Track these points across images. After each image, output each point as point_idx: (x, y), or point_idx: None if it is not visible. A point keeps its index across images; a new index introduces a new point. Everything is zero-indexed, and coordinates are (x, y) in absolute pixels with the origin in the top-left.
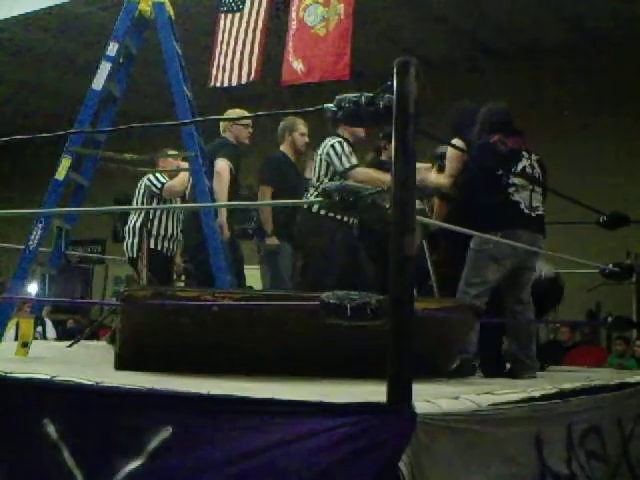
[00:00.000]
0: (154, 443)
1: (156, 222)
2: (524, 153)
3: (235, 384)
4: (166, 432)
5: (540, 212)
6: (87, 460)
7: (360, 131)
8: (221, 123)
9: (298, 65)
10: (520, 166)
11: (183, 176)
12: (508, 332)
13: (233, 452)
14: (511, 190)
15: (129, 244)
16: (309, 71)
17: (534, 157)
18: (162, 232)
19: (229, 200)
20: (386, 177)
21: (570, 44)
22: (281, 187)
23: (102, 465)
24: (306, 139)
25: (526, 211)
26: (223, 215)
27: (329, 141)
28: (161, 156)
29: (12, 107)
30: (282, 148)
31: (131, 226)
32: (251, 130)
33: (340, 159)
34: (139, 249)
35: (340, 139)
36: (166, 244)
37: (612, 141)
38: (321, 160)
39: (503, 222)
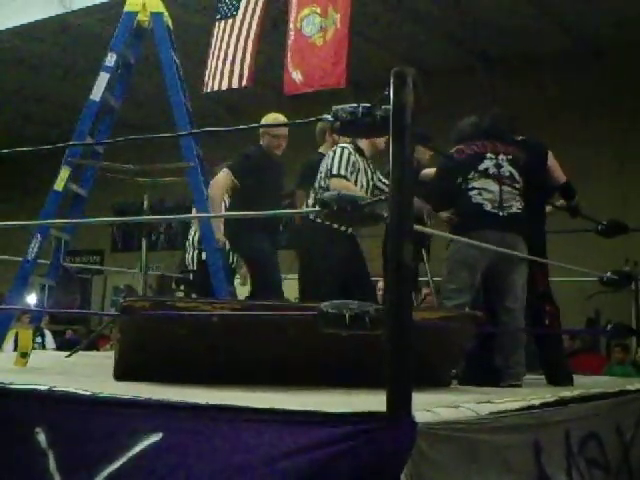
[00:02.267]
0: (140, 446)
1: None
2: (489, 155)
3: (233, 394)
4: (155, 437)
5: (514, 210)
6: (71, 466)
7: (380, 143)
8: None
9: (297, 75)
10: (481, 168)
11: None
12: (496, 340)
13: (230, 462)
14: (472, 193)
15: (189, 258)
16: (307, 81)
17: (503, 157)
18: None
19: (228, 209)
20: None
21: (567, 49)
22: None
23: (85, 470)
24: (347, 139)
25: (492, 211)
26: (219, 222)
27: (339, 145)
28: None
29: (9, 116)
30: (321, 150)
31: (191, 239)
32: (282, 143)
33: (333, 163)
34: (199, 261)
35: (349, 146)
36: None
37: (611, 144)
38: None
39: (467, 226)
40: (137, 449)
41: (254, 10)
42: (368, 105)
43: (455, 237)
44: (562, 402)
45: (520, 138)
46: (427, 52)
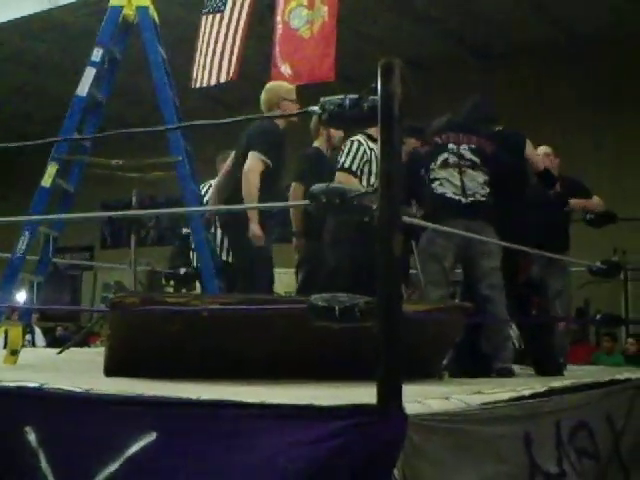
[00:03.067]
0: (134, 448)
1: None
2: (450, 146)
3: (225, 389)
4: (150, 437)
5: (479, 197)
6: (63, 466)
7: (336, 139)
8: (265, 104)
9: (285, 69)
10: (441, 159)
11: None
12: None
13: (222, 457)
14: (435, 185)
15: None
16: (296, 74)
17: (465, 146)
18: None
19: (263, 201)
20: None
21: (553, 42)
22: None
23: (78, 470)
24: (342, 133)
25: (455, 198)
26: (254, 221)
27: (353, 137)
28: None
29: None
30: (316, 144)
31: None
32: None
33: (342, 157)
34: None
35: (360, 138)
36: None
37: (612, 136)
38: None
39: (433, 217)
40: (132, 450)
41: (242, 4)
42: (355, 97)
43: (438, 227)
44: (553, 392)
45: (497, 129)
46: (417, 45)
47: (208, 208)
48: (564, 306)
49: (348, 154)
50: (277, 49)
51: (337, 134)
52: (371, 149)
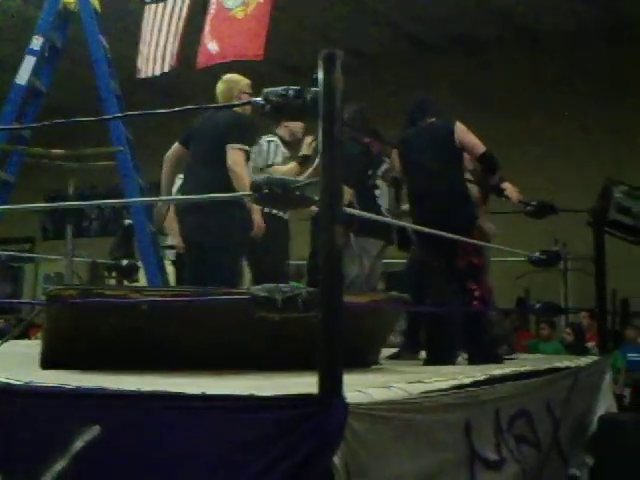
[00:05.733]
0: (79, 444)
1: None
2: (385, 157)
3: (165, 380)
4: (93, 432)
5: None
6: (6, 462)
7: (298, 132)
8: (224, 94)
9: (213, 46)
10: (382, 169)
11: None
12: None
13: (164, 450)
14: (377, 193)
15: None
16: (223, 51)
17: (389, 161)
18: None
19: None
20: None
21: (507, 37)
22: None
23: (25, 468)
24: (302, 124)
25: (386, 216)
26: (257, 210)
27: (266, 139)
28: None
29: None
30: (278, 132)
31: None
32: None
33: (269, 155)
34: None
35: (273, 138)
36: None
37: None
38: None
39: (366, 228)
40: (78, 446)
41: None
42: (298, 88)
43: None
44: (493, 380)
45: (429, 121)
46: (364, 37)
47: (150, 199)
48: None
49: (276, 152)
50: (207, 28)
51: (299, 125)
52: (282, 150)
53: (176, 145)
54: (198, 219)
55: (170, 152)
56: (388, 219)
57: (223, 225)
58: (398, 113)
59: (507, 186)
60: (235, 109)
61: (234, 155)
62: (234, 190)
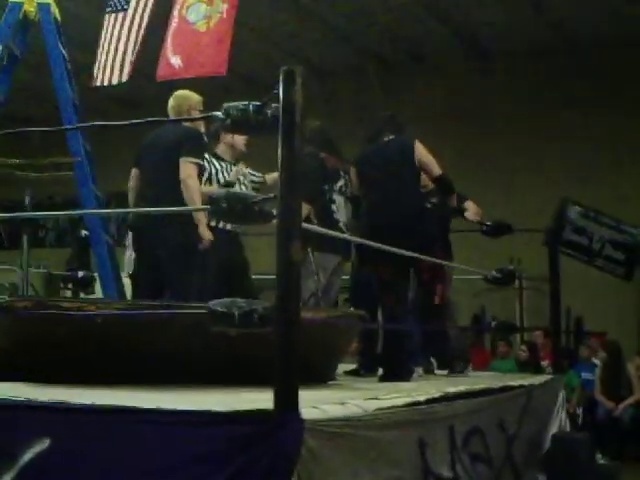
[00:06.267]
0: (28, 455)
1: None
2: (341, 172)
3: (120, 394)
4: (42, 444)
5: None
6: None
7: (240, 145)
8: (174, 110)
9: (176, 60)
10: (339, 184)
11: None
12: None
13: (116, 463)
14: (333, 207)
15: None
16: (186, 66)
17: (347, 177)
18: None
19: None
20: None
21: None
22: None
23: None
24: (245, 139)
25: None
26: (202, 222)
27: None
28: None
29: None
30: (217, 151)
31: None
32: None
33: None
34: None
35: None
36: None
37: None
38: None
39: (323, 244)
40: (26, 458)
41: (145, 5)
42: (258, 103)
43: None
44: (447, 398)
45: (388, 138)
46: (322, 52)
47: (106, 211)
48: (450, 311)
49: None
50: (169, 41)
51: (241, 140)
52: (211, 164)
53: (133, 171)
54: (153, 232)
55: (131, 180)
56: (345, 235)
57: (177, 238)
58: (361, 131)
59: (469, 205)
60: (185, 124)
61: (187, 168)
62: (186, 204)
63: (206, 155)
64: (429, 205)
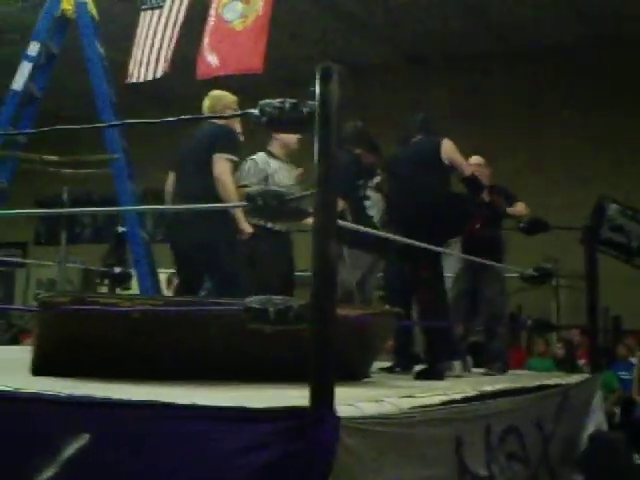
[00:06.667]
0: (69, 451)
1: None
2: (379, 171)
3: (156, 389)
4: (82, 440)
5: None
6: None
7: (293, 143)
8: (209, 110)
9: (213, 59)
10: (375, 181)
11: None
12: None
13: (153, 458)
14: (367, 204)
15: None
16: (223, 64)
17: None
18: None
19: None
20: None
21: (491, 51)
22: None
23: (12, 472)
24: (298, 135)
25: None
26: (241, 219)
27: (252, 156)
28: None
29: None
30: (270, 147)
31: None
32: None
33: (241, 175)
34: None
35: (255, 157)
36: None
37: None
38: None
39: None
40: (68, 454)
41: (181, 1)
42: (294, 100)
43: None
44: (483, 396)
45: (417, 139)
46: (357, 51)
47: (144, 207)
48: (494, 311)
49: (247, 175)
50: (206, 40)
51: (293, 138)
52: (268, 164)
53: (170, 175)
54: (190, 230)
55: (168, 183)
56: (377, 231)
57: (214, 235)
58: (393, 128)
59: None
60: (218, 122)
61: (220, 164)
62: (221, 200)
63: (262, 154)
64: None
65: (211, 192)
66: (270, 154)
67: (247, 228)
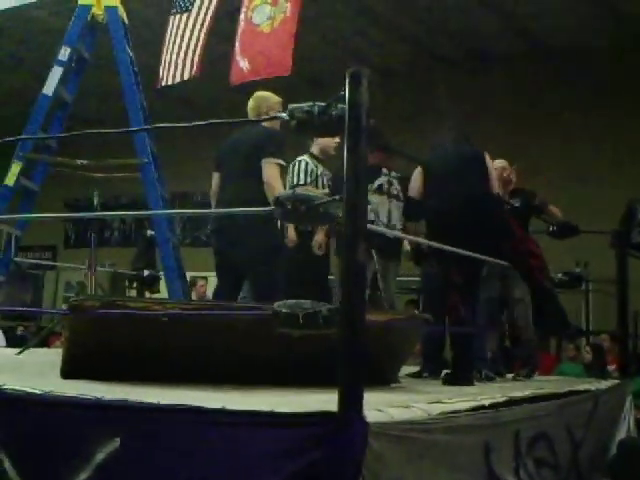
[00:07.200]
0: (101, 455)
1: None
2: (384, 170)
3: (185, 393)
4: (114, 444)
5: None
6: (31, 472)
7: (330, 148)
8: (253, 111)
9: (244, 64)
10: (377, 183)
11: None
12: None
13: (183, 462)
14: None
15: None
16: (253, 69)
17: (394, 174)
18: None
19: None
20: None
21: (521, 51)
22: None
23: (46, 474)
24: (337, 140)
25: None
26: (291, 225)
27: (299, 157)
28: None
29: None
30: (312, 150)
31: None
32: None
33: (293, 176)
34: None
35: (305, 157)
36: None
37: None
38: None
39: None
40: (100, 458)
41: (209, 4)
42: (324, 104)
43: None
44: (512, 402)
45: (460, 144)
46: (385, 52)
47: (172, 211)
48: (522, 314)
49: (299, 173)
50: (237, 45)
51: (332, 142)
52: (316, 166)
53: (215, 175)
54: (233, 234)
55: (213, 186)
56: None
57: (258, 240)
58: (422, 129)
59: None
60: (266, 125)
61: (270, 169)
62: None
63: (306, 157)
64: (508, 206)
65: (260, 197)
66: (313, 156)
67: (292, 236)
